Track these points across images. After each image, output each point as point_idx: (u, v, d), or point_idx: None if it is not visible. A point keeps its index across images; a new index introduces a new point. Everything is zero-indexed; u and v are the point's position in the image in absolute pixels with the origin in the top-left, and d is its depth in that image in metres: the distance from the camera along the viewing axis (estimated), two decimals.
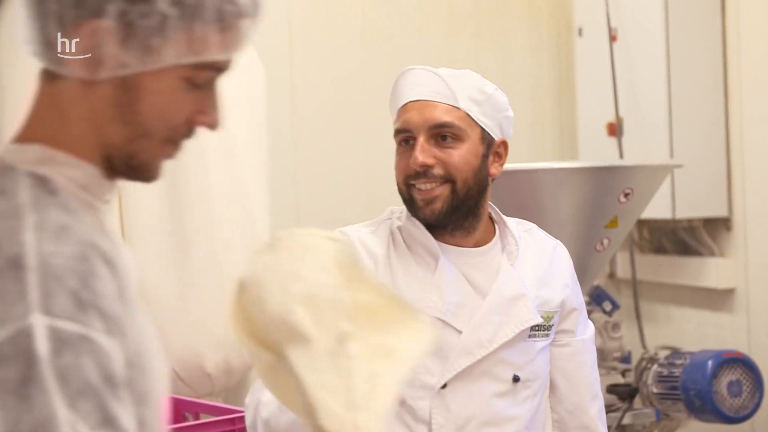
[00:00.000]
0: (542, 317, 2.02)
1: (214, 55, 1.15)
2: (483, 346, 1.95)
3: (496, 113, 2.02)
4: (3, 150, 1.16)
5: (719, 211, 3.85)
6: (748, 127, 3.75)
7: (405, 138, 1.99)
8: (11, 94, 3.05)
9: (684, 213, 3.83)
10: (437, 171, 1.95)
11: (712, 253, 3.92)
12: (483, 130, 2.00)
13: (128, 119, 1.14)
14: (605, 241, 3.21)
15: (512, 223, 2.09)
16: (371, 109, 3.91)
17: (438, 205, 1.96)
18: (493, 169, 2.03)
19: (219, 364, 3.14)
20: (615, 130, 4.01)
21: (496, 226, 2.08)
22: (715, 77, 3.85)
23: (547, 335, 2.04)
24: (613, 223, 3.18)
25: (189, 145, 3.50)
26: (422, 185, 1.96)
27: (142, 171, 1.19)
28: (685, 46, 3.84)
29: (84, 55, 1.11)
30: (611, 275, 4.31)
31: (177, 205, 3.21)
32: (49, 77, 1.16)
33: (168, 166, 3.39)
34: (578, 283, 2.14)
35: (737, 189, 3.82)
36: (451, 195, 1.95)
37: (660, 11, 3.83)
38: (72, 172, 1.14)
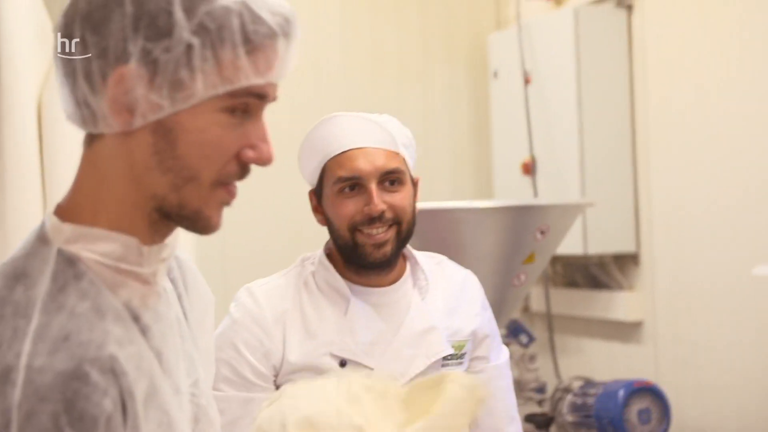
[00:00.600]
0: (453, 347, 2.07)
1: (248, 81, 1.08)
2: (396, 379, 1.97)
3: (413, 154, 2.11)
4: (45, 218, 1.13)
5: (628, 247, 3.95)
6: (655, 166, 3.86)
7: (350, 185, 2.02)
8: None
9: (595, 249, 3.92)
10: (388, 215, 2.00)
11: (621, 287, 4.02)
12: (409, 171, 2.08)
13: (169, 165, 1.09)
14: (522, 276, 3.29)
15: (422, 257, 2.15)
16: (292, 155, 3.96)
17: (388, 248, 2.01)
18: (413, 204, 2.09)
19: None
20: (529, 169, 4.12)
21: (407, 262, 2.13)
22: (624, 119, 3.97)
23: (460, 363, 2.09)
24: (530, 258, 3.27)
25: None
26: (374, 230, 2.00)
27: (197, 221, 1.12)
28: (595, 88, 3.95)
29: (115, 105, 1.07)
30: (526, 309, 4.42)
31: None
32: (89, 141, 1.13)
33: None
34: (490, 311, 2.20)
35: (645, 226, 3.92)
36: (397, 239, 2.02)
37: (571, 55, 3.94)
38: (106, 246, 1.10)
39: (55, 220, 1.12)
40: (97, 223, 1.11)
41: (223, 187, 1.12)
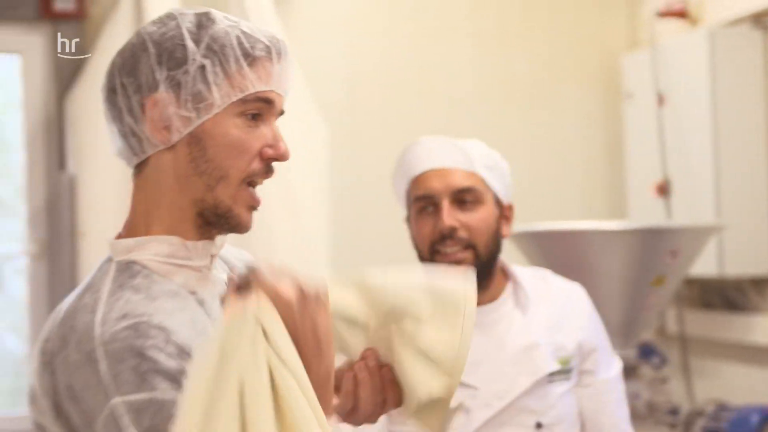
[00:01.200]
0: (559, 362, 2.06)
1: (254, 87, 1.31)
2: (501, 397, 2.01)
3: (503, 178, 2.13)
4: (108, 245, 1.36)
5: (765, 269, 3.89)
6: None
7: (426, 204, 2.07)
8: None
9: (732, 271, 3.87)
10: (462, 234, 2.03)
11: (759, 310, 3.95)
12: (494, 194, 2.10)
13: (203, 169, 1.32)
14: (652, 299, 3.29)
15: (525, 273, 2.16)
16: None
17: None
18: (504, 231, 2.12)
19: None
20: (664, 190, 4.10)
21: (509, 281, 2.15)
22: (760, 139, 3.92)
23: (567, 379, 2.08)
24: (660, 281, 3.27)
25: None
26: (448, 249, 2.04)
27: (230, 219, 1.34)
28: (730, 109, 3.91)
29: (153, 125, 1.31)
30: (662, 331, 4.38)
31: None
32: (137, 172, 1.36)
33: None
34: (599, 323, 2.18)
35: None
36: (475, 259, 2.04)
37: (706, 77, 3.91)
38: (156, 248, 1.32)
39: (113, 241, 1.35)
40: (150, 233, 1.34)
41: (249, 188, 1.34)
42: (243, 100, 1.31)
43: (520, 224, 3.65)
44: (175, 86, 1.30)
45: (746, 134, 3.93)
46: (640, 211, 4.27)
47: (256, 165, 1.33)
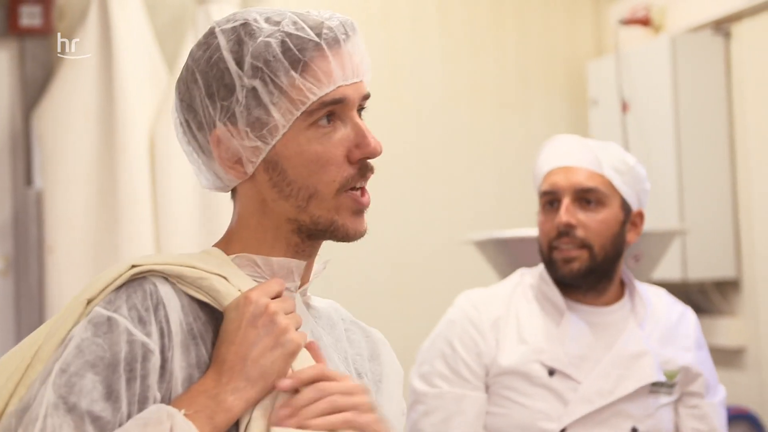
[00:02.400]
0: (665, 375, 2.08)
1: (315, 95, 1.19)
2: (603, 396, 2.03)
3: (636, 184, 2.14)
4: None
5: (728, 273, 3.94)
6: (756, 191, 3.85)
7: (550, 200, 2.11)
8: None
9: (695, 275, 3.92)
10: (579, 233, 2.05)
11: (722, 313, 4.00)
12: (623, 198, 2.10)
13: (287, 193, 1.21)
14: None
15: (642, 287, 2.20)
16: (400, 181, 4.11)
17: (576, 265, 2.05)
18: (630, 237, 2.14)
19: None
20: None
21: (626, 289, 2.17)
22: (722, 145, 3.97)
23: (670, 393, 2.09)
24: None
25: (223, 207, 3.69)
26: (564, 245, 2.06)
27: (335, 231, 1.23)
28: (693, 115, 3.96)
29: (223, 163, 1.22)
30: None
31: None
32: (233, 197, 1.28)
33: (203, 228, 3.57)
34: (707, 350, 2.19)
35: (746, 251, 3.91)
36: (590, 259, 2.05)
37: (669, 83, 3.96)
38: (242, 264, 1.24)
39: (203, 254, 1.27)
40: (233, 251, 1.25)
41: (348, 194, 1.22)
42: (308, 112, 1.20)
43: (486, 230, 3.70)
44: (232, 117, 1.20)
45: (708, 139, 3.98)
46: None
47: (348, 171, 1.22)
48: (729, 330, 3.94)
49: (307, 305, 1.32)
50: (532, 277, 2.18)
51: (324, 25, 1.21)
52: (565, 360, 2.05)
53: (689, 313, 2.22)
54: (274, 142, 1.20)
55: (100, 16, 3.41)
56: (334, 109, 1.21)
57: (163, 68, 3.53)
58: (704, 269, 3.94)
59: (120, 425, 1.08)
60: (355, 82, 1.23)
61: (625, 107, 4.19)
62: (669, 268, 3.84)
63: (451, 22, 4.40)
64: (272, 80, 1.18)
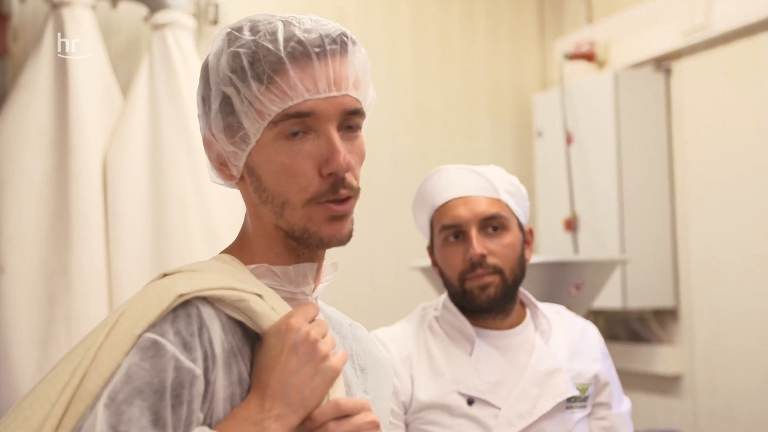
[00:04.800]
0: (578, 389, 2.10)
1: (278, 107, 1.21)
2: (523, 417, 2.03)
3: (523, 202, 2.16)
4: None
5: (666, 302, 4.03)
6: (694, 223, 3.95)
7: (454, 233, 2.09)
8: None
9: (634, 303, 4.01)
10: (490, 260, 2.06)
11: (660, 341, 4.09)
12: (518, 219, 2.13)
13: (264, 198, 1.25)
14: None
15: (542, 305, 2.21)
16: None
17: (492, 291, 2.06)
18: (527, 255, 2.15)
19: None
20: (571, 225, 4.24)
21: (527, 309, 2.19)
22: (662, 178, 4.07)
23: (584, 407, 2.11)
24: None
25: (174, 231, 3.70)
26: (477, 275, 2.05)
27: (310, 238, 1.25)
28: (634, 148, 4.06)
29: (212, 163, 1.29)
30: None
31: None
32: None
33: (154, 251, 3.56)
34: (611, 360, 2.23)
35: (683, 281, 4.00)
36: (502, 283, 2.07)
37: (611, 116, 4.06)
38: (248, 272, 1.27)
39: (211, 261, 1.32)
40: (247, 259, 1.29)
41: (320, 206, 1.23)
42: (274, 122, 1.22)
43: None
44: (212, 122, 1.26)
45: (649, 172, 4.08)
46: (550, 246, 4.39)
47: (318, 185, 1.23)
48: (666, 358, 4.02)
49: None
50: (436, 309, 2.18)
51: (295, 37, 1.22)
52: (483, 387, 2.06)
53: (590, 326, 2.24)
54: (248, 149, 1.24)
55: (54, 39, 3.42)
56: (304, 121, 1.22)
57: (118, 92, 3.55)
58: (644, 298, 4.02)
59: None
60: (333, 96, 1.23)
61: (569, 139, 4.28)
62: (610, 297, 3.93)
63: (399, 50, 4.46)
64: (240, 90, 1.22)
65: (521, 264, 2.12)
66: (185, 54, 3.55)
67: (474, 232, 2.07)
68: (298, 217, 1.23)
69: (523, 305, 2.20)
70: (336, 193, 1.23)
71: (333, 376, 1.21)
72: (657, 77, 4.10)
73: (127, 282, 3.32)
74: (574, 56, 4.36)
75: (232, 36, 1.24)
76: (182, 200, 3.43)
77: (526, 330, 2.15)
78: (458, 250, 2.09)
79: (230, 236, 3.49)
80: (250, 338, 1.22)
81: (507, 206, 2.11)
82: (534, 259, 3.60)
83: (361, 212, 4.13)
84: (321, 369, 1.19)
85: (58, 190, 3.30)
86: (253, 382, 1.19)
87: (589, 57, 4.34)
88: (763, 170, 3.63)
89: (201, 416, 1.14)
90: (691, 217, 3.98)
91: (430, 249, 2.21)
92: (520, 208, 2.14)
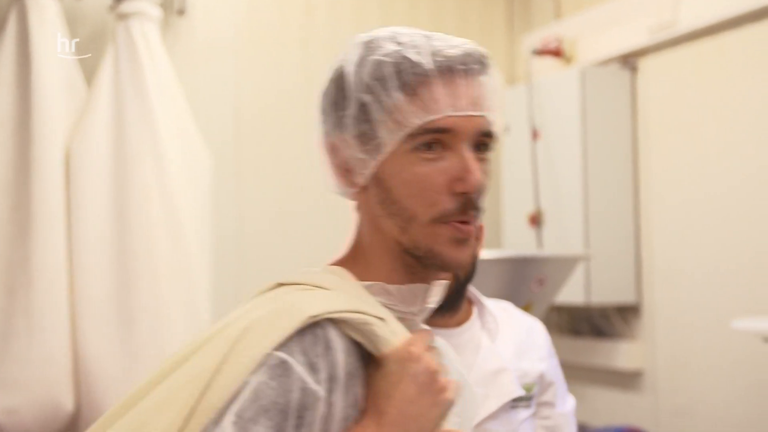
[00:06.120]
0: (523, 388, 2.09)
1: (418, 120, 1.19)
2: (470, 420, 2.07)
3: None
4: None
5: (629, 298, 4.07)
6: (657, 219, 3.98)
7: None
8: None
9: (597, 299, 4.03)
10: None
11: (622, 337, 4.12)
12: None
13: (391, 211, 1.22)
14: None
15: (489, 302, 2.20)
16: (317, 194, 4.15)
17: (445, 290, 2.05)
18: (477, 251, 2.13)
19: None
20: (536, 221, 4.26)
21: (474, 306, 2.18)
22: (627, 174, 4.10)
23: (528, 406, 2.11)
24: (527, 308, 3.38)
25: (137, 223, 3.68)
26: None
27: (432, 259, 1.22)
28: (600, 144, 4.09)
29: (336, 170, 1.26)
30: None
31: (124, 282, 3.33)
32: (355, 211, 1.30)
33: (116, 243, 3.55)
34: (556, 358, 2.23)
35: (646, 278, 4.04)
36: (454, 281, 2.04)
37: (577, 113, 4.09)
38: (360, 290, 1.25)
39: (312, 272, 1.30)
40: (359, 274, 1.27)
41: (446, 225, 1.21)
42: (412, 135, 1.20)
43: None
44: (344, 128, 1.23)
45: (614, 169, 4.11)
46: (515, 241, 4.41)
47: (448, 203, 1.20)
48: (628, 353, 4.05)
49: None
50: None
51: (442, 52, 1.22)
52: None
53: (538, 324, 2.25)
54: (380, 158, 1.22)
55: (18, 28, 3.39)
56: (440, 138, 1.20)
57: (82, 82, 3.53)
58: (606, 294, 4.05)
59: None
60: (472, 116, 1.21)
61: (535, 135, 4.29)
62: (573, 292, 3.96)
63: None
64: (380, 98, 1.20)
65: (474, 261, 2.11)
66: (150, 44, 3.54)
67: None
68: (424, 235, 1.21)
69: (470, 302, 2.20)
70: (464, 213, 1.21)
71: (449, 408, 1.20)
72: (623, 74, 4.13)
73: (89, 274, 3.30)
74: (541, 52, 4.38)
75: (373, 44, 1.24)
76: (145, 191, 3.41)
77: (472, 329, 2.15)
78: None
79: (193, 230, 3.55)
80: (364, 359, 1.22)
81: None
82: (496, 254, 3.62)
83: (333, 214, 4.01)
84: (439, 401, 1.19)
85: (19, 180, 3.28)
86: (368, 405, 1.18)
87: (556, 53, 4.36)
88: (727, 168, 3.66)
89: None
90: (654, 214, 4.01)
91: None
92: None
